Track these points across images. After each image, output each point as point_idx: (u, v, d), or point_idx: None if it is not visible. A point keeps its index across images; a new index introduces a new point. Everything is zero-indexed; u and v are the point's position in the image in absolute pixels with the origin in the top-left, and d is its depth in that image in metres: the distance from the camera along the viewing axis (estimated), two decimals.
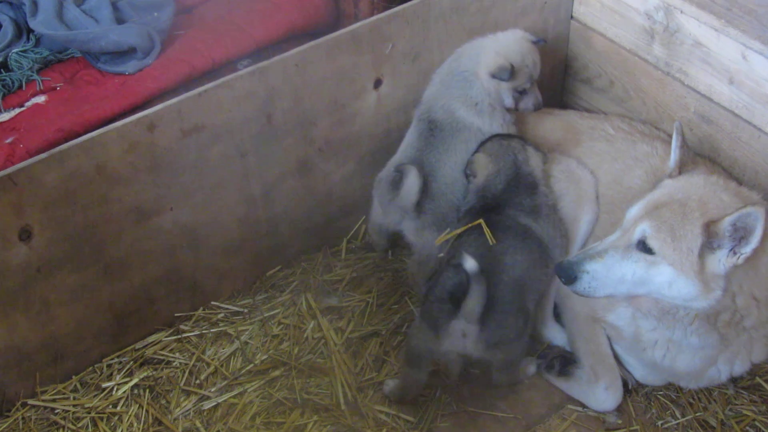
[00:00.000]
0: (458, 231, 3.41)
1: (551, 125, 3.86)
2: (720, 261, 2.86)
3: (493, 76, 3.57)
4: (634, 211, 3.04)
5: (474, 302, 3.12)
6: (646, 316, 3.16)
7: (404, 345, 3.54)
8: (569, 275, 3.04)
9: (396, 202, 3.60)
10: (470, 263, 3.08)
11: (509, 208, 3.42)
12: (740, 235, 2.82)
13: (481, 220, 3.34)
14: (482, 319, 3.17)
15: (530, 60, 3.60)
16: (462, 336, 3.23)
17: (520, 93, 3.63)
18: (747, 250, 2.82)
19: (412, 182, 3.54)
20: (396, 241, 4.01)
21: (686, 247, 2.86)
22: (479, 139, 3.61)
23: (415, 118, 3.74)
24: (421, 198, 3.58)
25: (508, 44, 3.61)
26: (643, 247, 2.93)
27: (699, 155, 3.62)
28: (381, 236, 3.87)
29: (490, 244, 3.29)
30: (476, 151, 3.55)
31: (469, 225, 3.37)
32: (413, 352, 3.36)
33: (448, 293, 3.16)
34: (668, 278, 2.90)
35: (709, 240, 2.85)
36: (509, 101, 3.63)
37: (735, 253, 2.84)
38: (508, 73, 3.54)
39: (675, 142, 3.16)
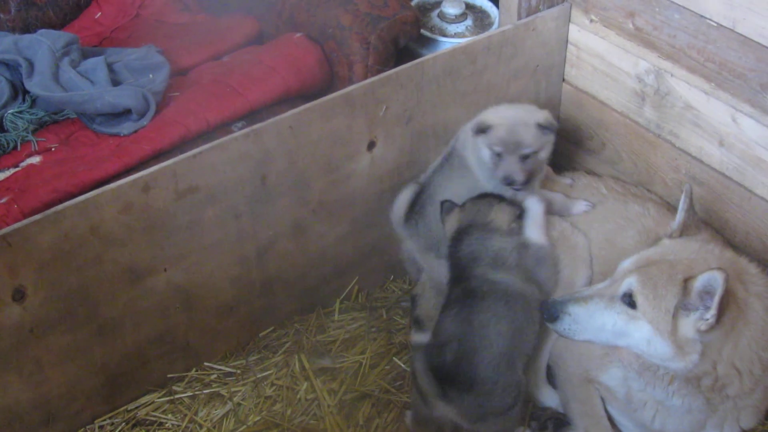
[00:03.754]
0: None
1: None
2: (692, 325, 2.86)
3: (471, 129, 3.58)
4: (626, 264, 3.05)
5: (420, 377, 3.21)
6: (629, 370, 3.16)
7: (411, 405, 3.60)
8: (552, 314, 3.07)
9: (391, 218, 3.73)
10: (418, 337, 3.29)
11: (474, 267, 3.38)
12: (708, 302, 2.83)
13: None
14: (456, 398, 3.20)
15: (511, 127, 3.53)
16: (445, 405, 3.24)
17: (497, 156, 3.53)
18: (708, 316, 2.82)
19: (401, 197, 3.69)
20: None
21: (664, 307, 2.86)
22: (475, 180, 3.64)
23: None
24: (416, 218, 3.67)
25: (502, 108, 3.64)
26: (628, 300, 2.94)
27: (706, 223, 3.63)
28: (413, 267, 3.92)
29: None
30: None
31: None
32: (415, 412, 3.44)
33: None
34: (646, 335, 2.90)
35: (685, 301, 2.85)
36: (486, 157, 3.56)
37: (702, 319, 2.84)
38: (476, 127, 3.54)
39: (682, 204, 3.18)
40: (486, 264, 3.37)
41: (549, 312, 3.08)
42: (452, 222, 3.47)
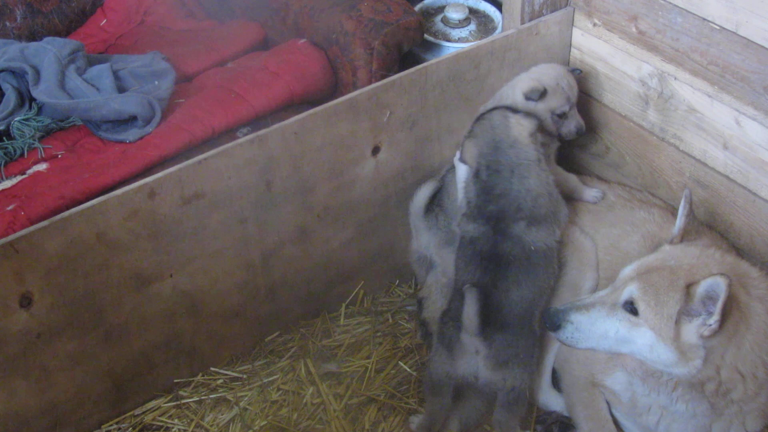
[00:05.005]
0: None
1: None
2: (695, 331, 2.86)
3: (527, 97, 3.65)
4: (627, 271, 3.05)
5: (468, 313, 3.19)
6: (633, 376, 3.16)
7: (425, 376, 3.60)
8: (554, 323, 3.06)
9: (409, 211, 3.76)
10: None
11: (512, 223, 3.37)
12: (711, 308, 2.83)
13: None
14: (490, 336, 3.25)
15: (565, 82, 3.72)
16: (475, 353, 3.29)
17: (559, 117, 3.71)
18: (711, 322, 2.82)
19: (423, 191, 3.71)
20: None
21: (667, 313, 2.86)
22: None
23: None
24: (436, 211, 3.70)
25: (542, 71, 3.76)
26: (630, 307, 2.94)
27: (710, 226, 3.65)
28: (422, 268, 3.90)
29: None
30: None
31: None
32: (434, 378, 3.44)
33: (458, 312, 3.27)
34: (649, 342, 2.90)
35: (687, 306, 2.85)
36: (549, 125, 3.71)
37: (705, 325, 2.84)
38: (539, 93, 3.64)
39: (682, 210, 3.18)
40: (524, 218, 3.36)
41: (551, 321, 3.08)
42: (469, 152, 3.46)
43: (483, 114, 3.53)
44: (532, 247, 3.36)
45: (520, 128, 3.44)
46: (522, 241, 3.36)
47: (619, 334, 2.97)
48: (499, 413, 3.46)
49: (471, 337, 3.26)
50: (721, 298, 2.77)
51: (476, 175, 3.42)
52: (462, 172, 3.55)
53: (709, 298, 2.81)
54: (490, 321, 3.26)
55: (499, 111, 3.49)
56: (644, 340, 2.92)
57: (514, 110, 3.50)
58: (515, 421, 3.47)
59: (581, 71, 3.90)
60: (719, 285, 2.76)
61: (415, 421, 3.58)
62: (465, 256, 3.42)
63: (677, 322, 2.86)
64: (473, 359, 3.33)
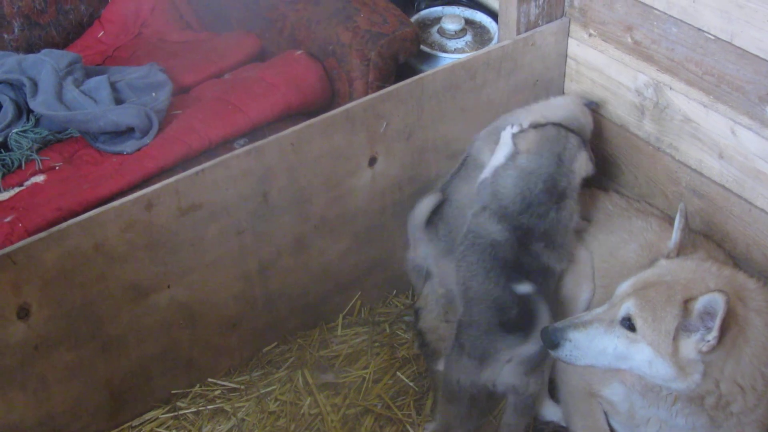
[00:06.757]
0: None
1: None
2: (693, 346, 2.86)
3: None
4: (624, 287, 3.05)
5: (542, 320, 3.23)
6: (632, 391, 3.16)
7: (441, 384, 3.56)
8: (552, 341, 3.05)
9: (409, 222, 3.71)
10: (524, 287, 3.23)
11: (534, 240, 3.39)
12: (709, 323, 2.83)
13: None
14: (526, 345, 3.29)
15: (579, 122, 3.70)
16: (506, 361, 3.29)
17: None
18: (710, 338, 2.82)
19: (424, 204, 3.66)
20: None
21: (664, 329, 2.86)
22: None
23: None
24: (437, 222, 3.67)
25: (555, 107, 3.73)
26: (627, 324, 2.93)
27: (706, 236, 3.66)
28: (418, 277, 3.88)
29: None
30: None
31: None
32: (452, 388, 3.42)
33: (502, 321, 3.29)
34: (647, 357, 2.90)
35: (685, 321, 2.85)
36: None
37: (703, 340, 2.84)
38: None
39: (677, 224, 3.18)
40: (544, 240, 3.39)
41: (549, 339, 3.06)
42: (528, 143, 3.46)
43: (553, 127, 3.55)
44: (549, 266, 3.38)
45: (586, 167, 3.49)
46: (539, 259, 3.37)
47: (618, 350, 2.97)
48: (510, 416, 3.46)
49: (529, 347, 3.27)
50: (720, 315, 2.76)
51: (523, 180, 3.43)
52: (502, 152, 3.55)
53: (708, 314, 2.81)
54: (522, 329, 3.28)
55: (575, 137, 3.53)
56: (642, 356, 2.92)
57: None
58: (523, 426, 3.49)
59: (596, 103, 3.84)
60: (717, 302, 2.76)
61: (429, 427, 3.58)
62: (484, 261, 3.38)
63: (675, 338, 2.86)
64: (499, 366, 3.32)
